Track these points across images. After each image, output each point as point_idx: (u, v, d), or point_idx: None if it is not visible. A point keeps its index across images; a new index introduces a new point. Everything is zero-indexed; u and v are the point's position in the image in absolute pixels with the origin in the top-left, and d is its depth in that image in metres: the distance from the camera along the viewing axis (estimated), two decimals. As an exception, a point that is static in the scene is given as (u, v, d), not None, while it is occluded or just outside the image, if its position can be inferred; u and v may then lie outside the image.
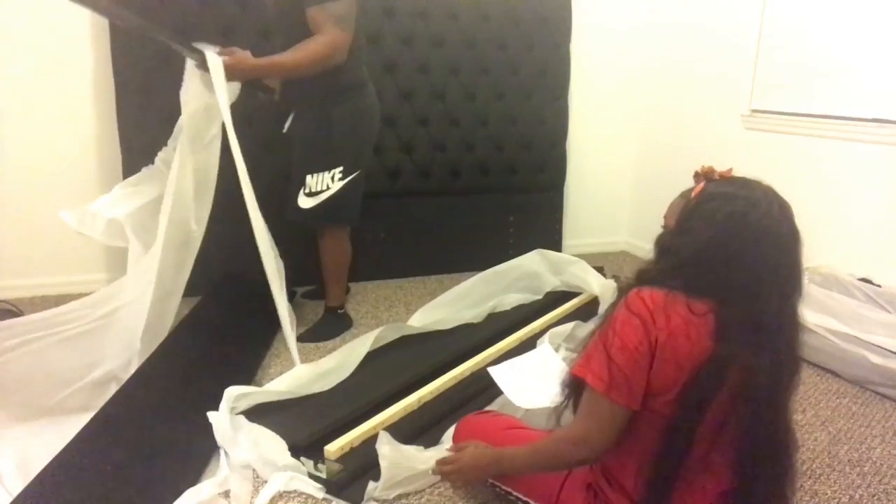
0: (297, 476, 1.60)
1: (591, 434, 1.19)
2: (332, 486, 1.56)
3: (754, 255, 1.15)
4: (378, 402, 1.87)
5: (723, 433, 1.15)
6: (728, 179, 1.29)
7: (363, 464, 1.60)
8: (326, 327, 2.58)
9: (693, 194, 1.27)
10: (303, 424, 1.76)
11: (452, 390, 1.98)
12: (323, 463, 1.57)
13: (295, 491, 1.58)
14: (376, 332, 2.26)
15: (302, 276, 3.03)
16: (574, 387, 1.25)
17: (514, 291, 2.77)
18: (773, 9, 2.90)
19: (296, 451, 1.64)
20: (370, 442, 1.63)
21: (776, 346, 1.15)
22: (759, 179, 1.27)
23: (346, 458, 1.60)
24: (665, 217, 1.38)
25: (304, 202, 2.42)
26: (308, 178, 2.39)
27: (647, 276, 1.23)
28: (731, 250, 1.15)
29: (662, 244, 1.28)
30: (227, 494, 1.55)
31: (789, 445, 1.20)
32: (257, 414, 1.81)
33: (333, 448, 1.58)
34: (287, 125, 2.49)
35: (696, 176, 1.31)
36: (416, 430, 1.76)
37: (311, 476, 1.59)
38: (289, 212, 2.49)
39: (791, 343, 1.19)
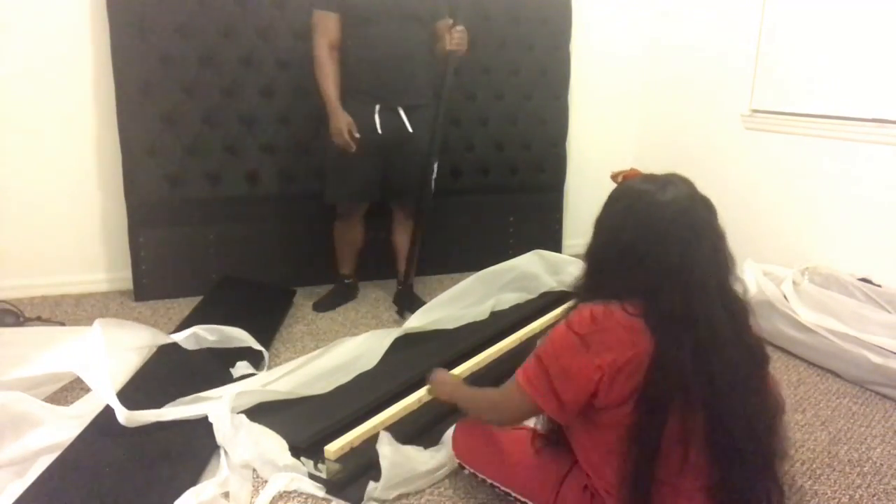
0: (297, 476, 1.60)
1: (503, 417, 1.38)
2: (332, 486, 1.56)
3: (665, 247, 1.15)
4: (378, 402, 1.87)
5: (694, 430, 1.14)
6: (633, 178, 1.29)
7: (363, 464, 1.60)
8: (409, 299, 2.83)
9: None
10: (303, 424, 1.76)
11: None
12: (323, 463, 1.57)
13: (295, 491, 1.58)
14: (373, 334, 2.26)
15: (302, 277, 3.04)
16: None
17: (511, 291, 2.78)
18: (772, 9, 2.90)
19: (296, 451, 1.64)
20: (370, 442, 1.63)
21: (718, 334, 1.14)
22: (669, 172, 1.27)
23: (346, 458, 1.60)
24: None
25: (433, 186, 2.69)
26: (435, 166, 2.66)
27: (579, 290, 1.27)
28: (642, 245, 1.16)
29: (588, 248, 1.30)
30: (227, 495, 1.55)
31: (765, 431, 1.19)
32: (258, 413, 1.81)
33: (333, 448, 1.58)
34: (379, 125, 2.54)
35: (614, 177, 1.35)
36: (416, 430, 1.76)
37: (311, 476, 1.59)
38: (425, 200, 2.69)
39: (740, 327, 1.18)
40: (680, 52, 3.46)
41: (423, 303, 2.74)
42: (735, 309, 1.20)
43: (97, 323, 1.98)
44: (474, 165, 3.35)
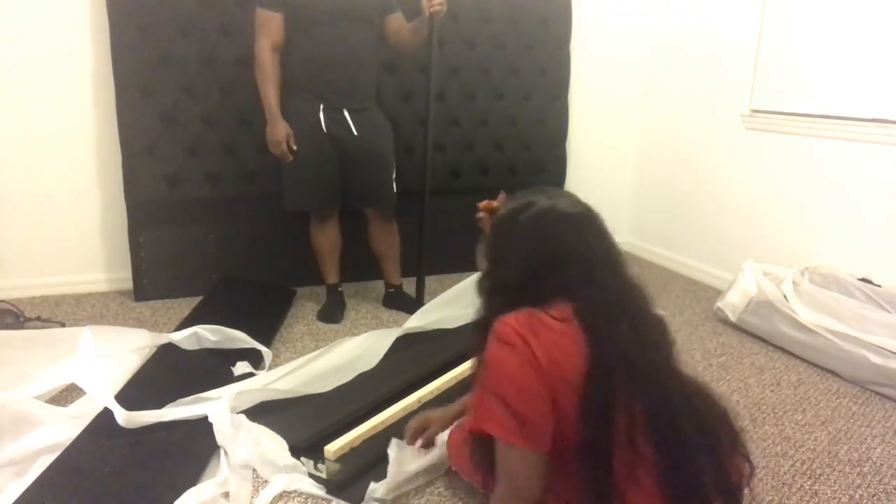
0: (297, 476, 1.60)
1: (519, 486, 1.16)
2: (332, 486, 1.56)
3: (573, 246, 1.22)
4: (378, 402, 1.87)
5: (638, 424, 1.14)
6: (508, 200, 1.34)
7: (363, 464, 1.60)
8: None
9: (489, 230, 1.33)
10: (303, 424, 1.76)
11: (452, 390, 1.98)
12: (323, 463, 1.57)
13: (295, 491, 1.58)
14: (373, 334, 2.25)
15: (302, 277, 3.03)
16: (480, 442, 1.22)
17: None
18: (772, 9, 2.90)
19: (296, 452, 1.64)
20: (370, 442, 1.64)
21: (641, 320, 1.20)
22: (536, 189, 1.33)
23: (346, 458, 1.60)
24: (479, 264, 1.38)
25: (394, 187, 2.71)
26: (393, 164, 2.69)
27: (490, 315, 1.24)
28: (552, 251, 1.21)
29: (488, 284, 1.30)
30: (227, 495, 1.55)
31: (705, 408, 1.20)
32: (258, 413, 1.82)
33: (333, 448, 1.58)
34: (324, 123, 2.50)
35: (481, 219, 1.40)
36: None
37: (311, 476, 1.59)
38: (385, 199, 2.71)
39: (643, 309, 1.24)
40: (680, 52, 3.46)
41: (413, 299, 2.77)
42: (640, 293, 1.26)
43: (87, 329, 1.98)
44: (474, 165, 3.35)
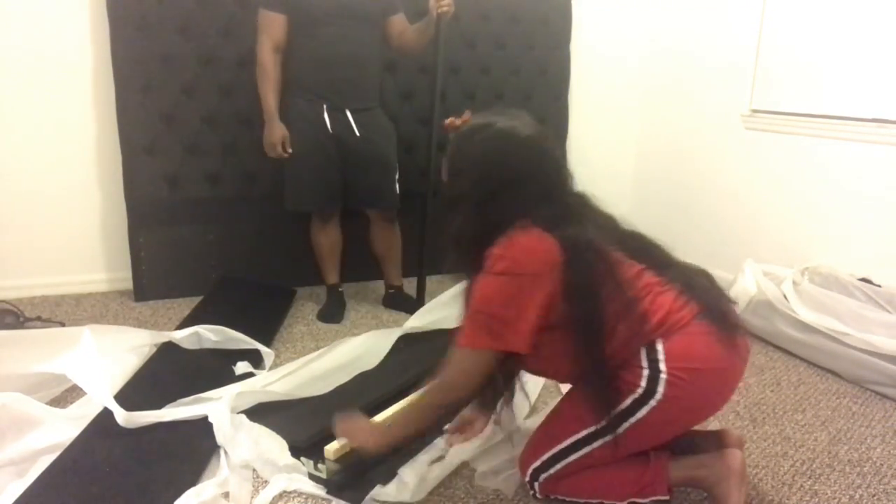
0: (297, 476, 1.60)
1: (456, 385, 1.37)
2: (332, 485, 1.56)
3: (527, 168, 1.36)
4: (379, 402, 1.87)
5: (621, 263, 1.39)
6: (470, 120, 1.45)
7: (363, 464, 1.60)
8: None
9: (453, 132, 1.45)
10: (303, 424, 1.76)
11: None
12: (323, 463, 1.57)
13: (295, 491, 1.58)
14: (374, 334, 2.25)
15: (302, 277, 3.03)
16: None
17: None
18: (772, 9, 2.90)
19: (296, 452, 1.64)
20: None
21: (597, 222, 1.41)
22: (498, 110, 1.43)
23: (346, 458, 1.60)
24: (442, 177, 1.50)
25: (397, 189, 2.71)
26: (395, 166, 2.69)
27: (461, 228, 1.38)
28: (507, 172, 1.35)
29: (447, 198, 1.43)
30: (227, 495, 1.55)
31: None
32: (258, 414, 1.81)
33: (333, 448, 1.58)
34: (329, 124, 2.50)
35: (448, 126, 1.50)
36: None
37: (311, 476, 1.59)
38: (387, 201, 2.71)
39: (606, 217, 1.46)
40: (680, 52, 3.46)
41: (413, 299, 2.77)
42: (599, 208, 1.49)
43: (87, 329, 1.98)
44: (474, 165, 3.34)
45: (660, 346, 1.32)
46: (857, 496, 1.66)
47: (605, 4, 3.57)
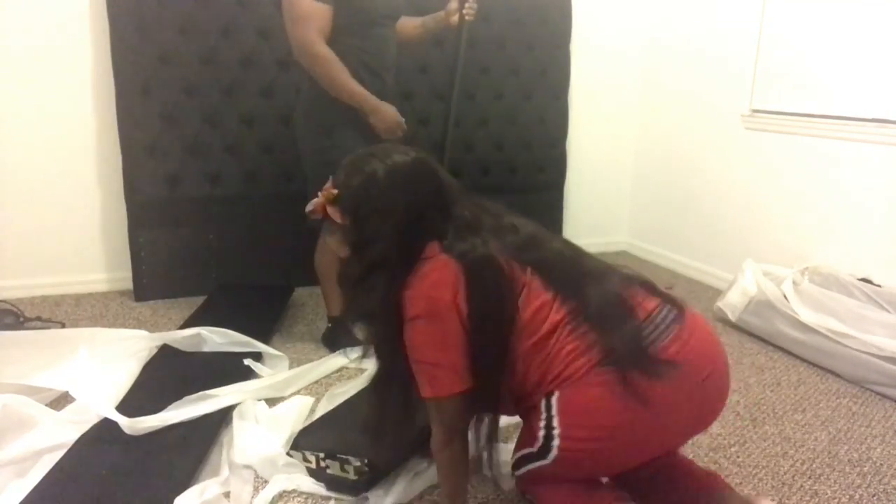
0: (296, 476, 1.60)
1: (455, 426, 1.32)
2: (360, 486, 1.55)
3: (435, 188, 1.34)
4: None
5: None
6: (340, 180, 1.36)
7: (389, 463, 1.60)
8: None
9: (337, 215, 1.34)
10: (342, 430, 1.71)
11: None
12: (350, 464, 1.56)
13: (295, 490, 1.58)
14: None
15: (302, 277, 3.03)
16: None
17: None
18: (772, 9, 2.90)
19: (330, 454, 1.59)
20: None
21: (494, 229, 1.34)
22: (361, 157, 1.37)
23: (371, 459, 1.57)
24: (337, 251, 1.43)
25: None
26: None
27: (375, 280, 1.29)
28: (413, 208, 1.30)
29: (360, 246, 1.33)
30: (228, 494, 1.55)
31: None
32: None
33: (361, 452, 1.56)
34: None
35: (315, 212, 1.37)
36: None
37: (338, 478, 1.57)
38: None
39: (502, 217, 1.40)
40: (680, 52, 3.46)
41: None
42: (496, 207, 1.45)
43: (88, 331, 1.98)
44: (474, 165, 3.35)
45: (554, 401, 1.22)
46: (857, 496, 1.66)
47: (604, 4, 3.57)
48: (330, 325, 2.44)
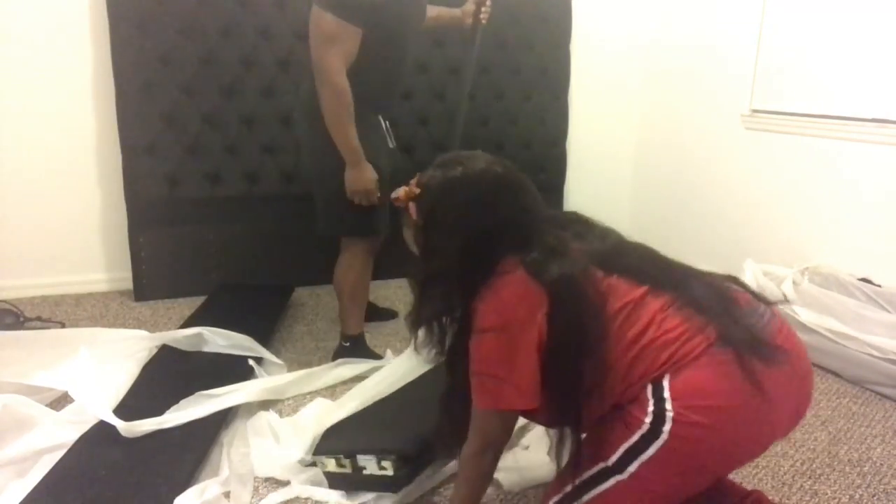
0: (295, 476, 1.60)
1: (496, 441, 1.29)
2: (398, 483, 1.55)
3: (511, 194, 1.30)
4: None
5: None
6: (426, 181, 1.34)
7: (423, 458, 1.60)
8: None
9: (414, 213, 1.32)
10: (393, 433, 1.70)
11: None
12: (387, 461, 1.55)
13: (299, 497, 1.58)
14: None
15: (302, 276, 3.03)
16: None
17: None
18: (772, 9, 2.90)
19: (370, 451, 1.58)
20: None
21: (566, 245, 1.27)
22: (450, 160, 1.36)
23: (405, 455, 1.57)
24: (409, 245, 1.41)
25: None
26: None
27: (435, 290, 1.28)
28: (503, 210, 1.27)
29: (428, 251, 1.31)
30: (228, 495, 1.55)
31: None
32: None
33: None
34: (391, 140, 2.32)
35: (399, 200, 1.36)
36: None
37: (374, 477, 1.56)
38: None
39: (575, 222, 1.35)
40: (680, 52, 3.46)
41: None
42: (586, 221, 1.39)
43: (88, 332, 1.98)
44: (474, 165, 3.34)
45: (666, 383, 1.17)
46: (857, 496, 1.66)
47: (605, 4, 3.57)
48: (347, 343, 2.32)
